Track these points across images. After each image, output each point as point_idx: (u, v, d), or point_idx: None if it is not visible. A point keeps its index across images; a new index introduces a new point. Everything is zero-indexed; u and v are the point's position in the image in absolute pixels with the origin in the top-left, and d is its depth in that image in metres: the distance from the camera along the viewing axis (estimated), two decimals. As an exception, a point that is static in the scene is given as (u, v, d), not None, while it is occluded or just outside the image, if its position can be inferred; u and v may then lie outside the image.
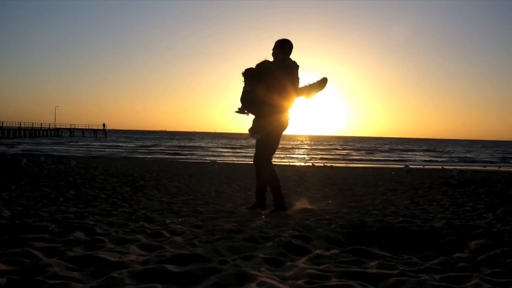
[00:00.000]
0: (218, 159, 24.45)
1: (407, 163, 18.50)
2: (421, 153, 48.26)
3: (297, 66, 4.62)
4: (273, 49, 4.61)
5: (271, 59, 4.62)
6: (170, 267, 2.32)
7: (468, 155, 45.70)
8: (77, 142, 51.68)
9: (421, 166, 18.63)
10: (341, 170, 15.86)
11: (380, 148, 57.60)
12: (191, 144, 56.88)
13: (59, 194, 5.58)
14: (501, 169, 21.95)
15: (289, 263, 2.55)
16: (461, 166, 27.00)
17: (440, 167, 19.81)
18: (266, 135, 4.63)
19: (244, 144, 55.43)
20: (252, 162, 4.89)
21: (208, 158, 25.26)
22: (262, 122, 4.63)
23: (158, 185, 7.16)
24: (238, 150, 42.79)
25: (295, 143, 70.87)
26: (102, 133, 79.35)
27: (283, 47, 4.59)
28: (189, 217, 4.21)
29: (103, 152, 32.35)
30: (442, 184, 8.42)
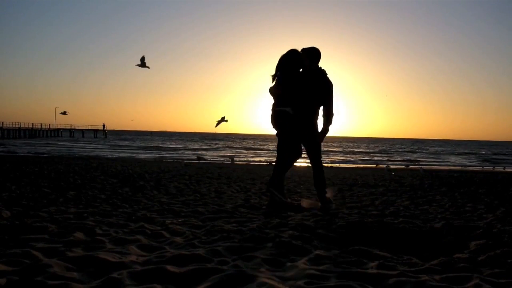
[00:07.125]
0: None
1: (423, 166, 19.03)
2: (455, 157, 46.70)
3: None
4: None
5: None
6: (170, 267, 2.32)
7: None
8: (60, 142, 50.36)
9: (403, 167, 19.27)
10: (341, 170, 15.87)
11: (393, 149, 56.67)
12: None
13: (59, 194, 5.58)
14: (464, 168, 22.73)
15: (289, 264, 2.55)
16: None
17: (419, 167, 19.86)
18: None
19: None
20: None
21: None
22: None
23: (158, 186, 7.16)
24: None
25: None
26: (102, 134, 79.36)
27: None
28: (189, 217, 4.21)
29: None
30: (442, 185, 8.42)
